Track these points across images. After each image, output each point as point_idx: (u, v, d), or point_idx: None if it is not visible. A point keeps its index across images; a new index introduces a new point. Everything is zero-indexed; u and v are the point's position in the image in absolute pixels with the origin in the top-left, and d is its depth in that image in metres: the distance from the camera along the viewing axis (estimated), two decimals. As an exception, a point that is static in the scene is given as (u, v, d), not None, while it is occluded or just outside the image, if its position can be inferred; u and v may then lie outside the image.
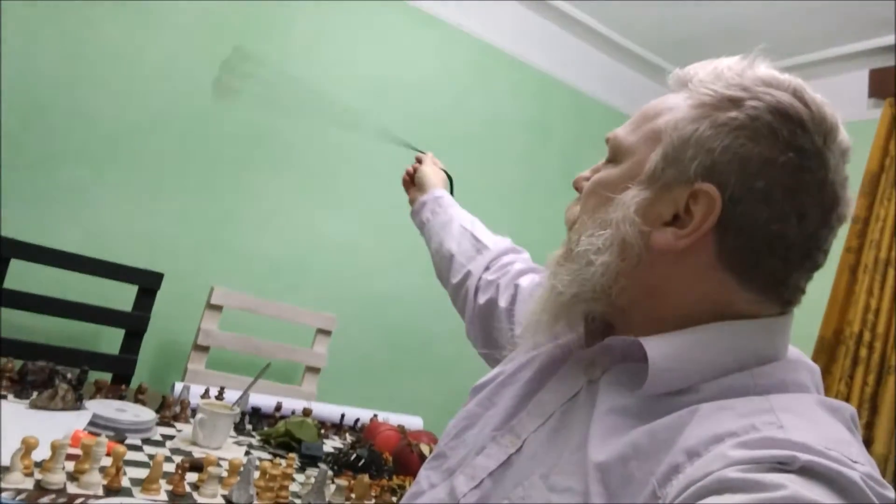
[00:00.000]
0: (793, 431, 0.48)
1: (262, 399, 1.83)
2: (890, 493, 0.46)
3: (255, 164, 2.43)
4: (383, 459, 1.59)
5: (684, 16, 2.76)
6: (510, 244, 1.11)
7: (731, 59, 0.62)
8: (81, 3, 2.09)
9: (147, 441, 1.37)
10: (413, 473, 1.58)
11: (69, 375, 1.45)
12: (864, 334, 2.37)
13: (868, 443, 2.23)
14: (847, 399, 2.33)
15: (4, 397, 1.36)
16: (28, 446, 1.04)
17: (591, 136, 3.18)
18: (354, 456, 1.56)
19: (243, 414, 1.66)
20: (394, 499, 1.44)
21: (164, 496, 1.13)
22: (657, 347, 0.58)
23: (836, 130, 0.58)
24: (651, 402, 0.57)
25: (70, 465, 1.10)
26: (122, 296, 1.99)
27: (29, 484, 1.02)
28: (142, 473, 1.17)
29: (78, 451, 1.12)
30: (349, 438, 1.84)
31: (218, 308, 2.13)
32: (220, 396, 1.71)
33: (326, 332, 2.35)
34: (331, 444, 1.74)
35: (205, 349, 2.10)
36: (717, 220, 0.56)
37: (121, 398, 1.55)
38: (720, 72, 0.61)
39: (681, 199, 0.58)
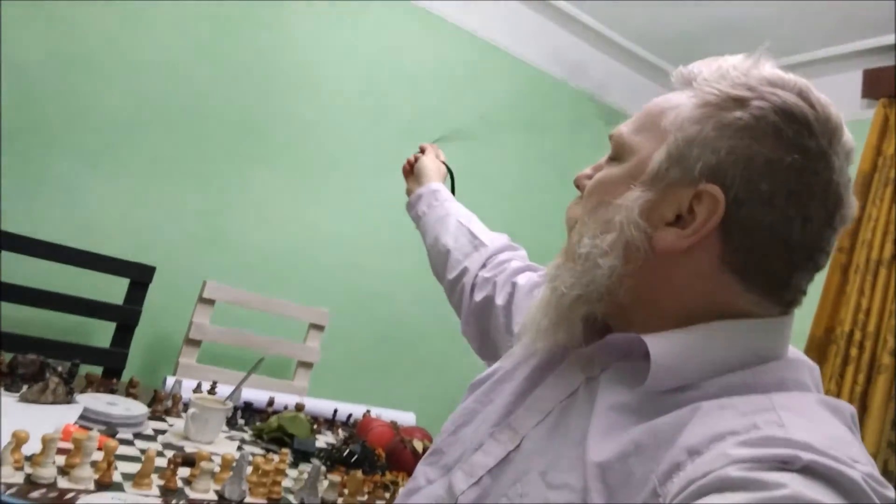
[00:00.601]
0: (794, 430, 0.48)
1: (255, 394, 1.82)
2: (890, 492, 0.46)
3: (249, 158, 2.41)
4: (376, 455, 1.58)
5: (679, 14, 2.77)
6: (507, 241, 1.10)
7: (735, 58, 0.62)
8: (74, -7, 2.07)
9: (138, 435, 1.37)
10: (406, 469, 1.58)
11: (60, 369, 1.44)
12: (855, 334, 2.39)
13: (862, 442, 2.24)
14: (837, 398, 2.34)
15: (-6, 390, 1.35)
16: (18, 440, 1.03)
17: (586, 133, 3.18)
18: (347, 451, 1.55)
19: (235, 409, 1.66)
20: (386, 495, 1.44)
21: (155, 491, 1.12)
22: (658, 344, 0.57)
23: (840, 131, 0.58)
24: (652, 399, 0.57)
25: (61, 460, 1.09)
26: (113, 289, 1.97)
27: (19, 478, 1.01)
28: (133, 468, 1.16)
29: (69, 446, 1.12)
30: (342, 434, 1.83)
31: (210, 302, 2.12)
32: (212, 391, 1.70)
33: (319, 327, 2.34)
34: (323, 440, 1.73)
35: (196, 343, 2.09)
36: (721, 222, 0.56)
37: (112, 392, 1.55)
38: (725, 71, 0.60)
39: (684, 200, 0.58)
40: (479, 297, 1.01)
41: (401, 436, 1.66)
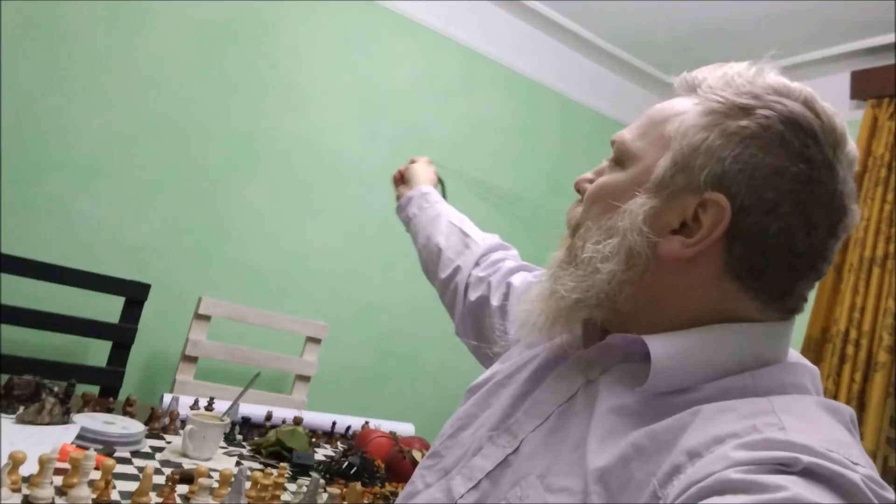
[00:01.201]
0: (794, 433, 0.48)
1: (252, 409, 1.81)
2: (890, 494, 0.46)
3: (242, 173, 2.41)
4: (375, 466, 1.58)
5: (668, 20, 2.78)
6: (499, 240, 1.10)
7: (740, 65, 0.62)
8: (66, 11, 2.07)
9: (136, 454, 1.36)
10: (406, 480, 1.57)
11: (56, 389, 1.43)
12: (851, 332, 2.40)
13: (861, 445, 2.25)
14: (835, 397, 2.35)
15: (-10, 412, 1.34)
16: (15, 461, 1.02)
17: (577, 141, 3.20)
18: (346, 463, 1.54)
19: (233, 424, 1.65)
20: (387, 506, 1.43)
21: (154, 509, 1.11)
22: (659, 345, 0.58)
23: (844, 141, 0.58)
24: (652, 401, 0.57)
25: (58, 480, 1.08)
26: (108, 307, 1.97)
27: (17, 499, 1.00)
28: (131, 486, 1.16)
29: (66, 466, 1.11)
30: (340, 446, 1.83)
31: (206, 318, 2.11)
32: (209, 407, 1.69)
33: (316, 341, 2.33)
34: (322, 453, 1.72)
35: (193, 360, 2.08)
36: (726, 230, 0.56)
37: (109, 411, 1.54)
38: (730, 78, 0.60)
39: (689, 208, 0.58)
40: (473, 296, 1.00)
41: (400, 446, 1.65)
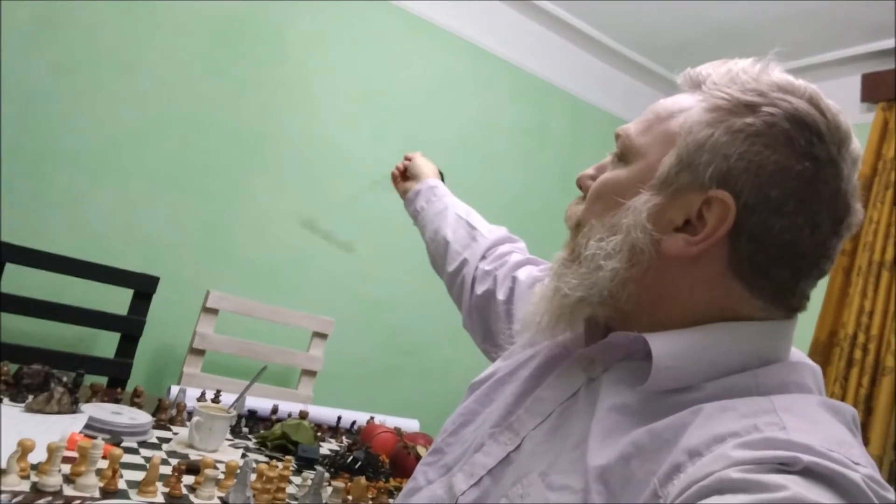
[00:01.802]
0: (795, 432, 0.48)
1: (259, 402, 1.82)
2: (891, 494, 0.46)
3: (251, 169, 2.42)
4: (380, 461, 1.58)
5: (679, 21, 2.77)
6: (506, 233, 1.10)
7: (745, 62, 0.61)
8: (78, 8, 2.08)
9: (143, 444, 1.37)
10: (410, 475, 1.58)
11: (65, 379, 1.44)
12: (859, 336, 2.38)
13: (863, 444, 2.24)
14: (842, 401, 2.33)
15: (0, 401, 1.35)
16: (24, 449, 1.03)
17: (587, 140, 3.20)
18: (351, 458, 1.55)
19: (240, 417, 1.66)
20: (391, 500, 1.44)
21: (160, 498, 1.12)
22: (661, 344, 0.57)
23: (849, 139, 0.58)
24: (653, 400, 0.57)
25: (66, 468, 1.09)
26: (117, 300, 1.98)
27: (25, 486, 1.02)
28: (138, 476, 1.17)
29: (74, 454, 1.12)
30: (345, 441, 1.83)
31: (214, 312, 2.13)
32: (216, 399, 1.70)
33: (322, 336, 2.34)
34: (327, 447, 1.73)
35: (201, 353, 2.09)
36: (730, 228, 0.56)
37: (117, 401, 1.55)
38: (735, 74, 0.60)
39: (694, 205, 0.58)
40: (480, 290, 1.00)
41: (404, 442, 1.66)
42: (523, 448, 0.64)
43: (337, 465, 1.54)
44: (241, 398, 1.69)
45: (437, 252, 1.12)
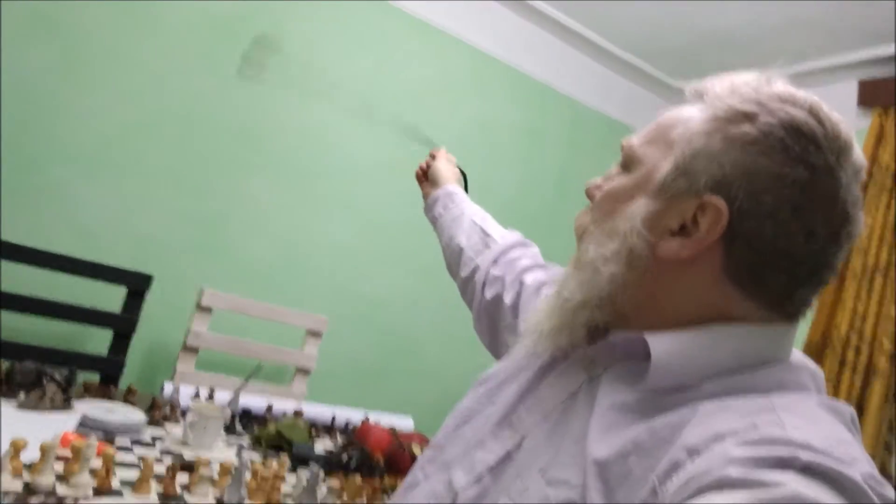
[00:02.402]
0: (794, 430, 0.48)
1: (253, 400, 1.82)
2: (890, 492, 0.46)
3: (246, 166, 2.41)
4: (374, 460, 1.58)
5: (678, 26, 2.77)
6: (519, 237, 1.10)
7: (748, 75, 0.62)
8: (75, 4, 2.07)
9: (137, 442, 1.36)
10: (405, 473, 1.57)
11: (57, 376, 1.44)
12: (851, 338, 2.40)
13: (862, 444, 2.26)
14: (834, 402, 2.35)
15: (-8, 398, 1.34)
16: (17, 448, 1.03)
17: (585, 144, 3.20)
18: (346, 456, 1.55)
19: (234, 415, 1.66)
20: (385, 498, 1.44)
21: (154, 497, 1.12)
22: (660, 343, 0.58)
23: (850, 149, 0.58)
24: (652, 398, 0.58)
25: (60, 467, 1.09)
26: (110, 297, 1.97)
27: (18, 486, 1.01)
28: (132, 475, 1.16)
29: (68, 453, 1.11)
30: (340, 439, 1.83)
31: (207, 310, 2.12)
32: (210, 398, 1.70)
33: (317, 334, 2.34)
34: (322, 446, 1.73)
35: (194, 350, 2.08)
36: (724, 233, 0.57)
37: (110, 399, 1.54)
38: (736, 86, 0.61)
39: (688, 211, 0.59)
40: (489, 294, 1.02)
41: (400, 441, 1.66)
42: (524, 446, 0.65)
43: (332, 464, 1.54)
44: (235, 396, 1.69)
45: (452, 258, 1.14)
